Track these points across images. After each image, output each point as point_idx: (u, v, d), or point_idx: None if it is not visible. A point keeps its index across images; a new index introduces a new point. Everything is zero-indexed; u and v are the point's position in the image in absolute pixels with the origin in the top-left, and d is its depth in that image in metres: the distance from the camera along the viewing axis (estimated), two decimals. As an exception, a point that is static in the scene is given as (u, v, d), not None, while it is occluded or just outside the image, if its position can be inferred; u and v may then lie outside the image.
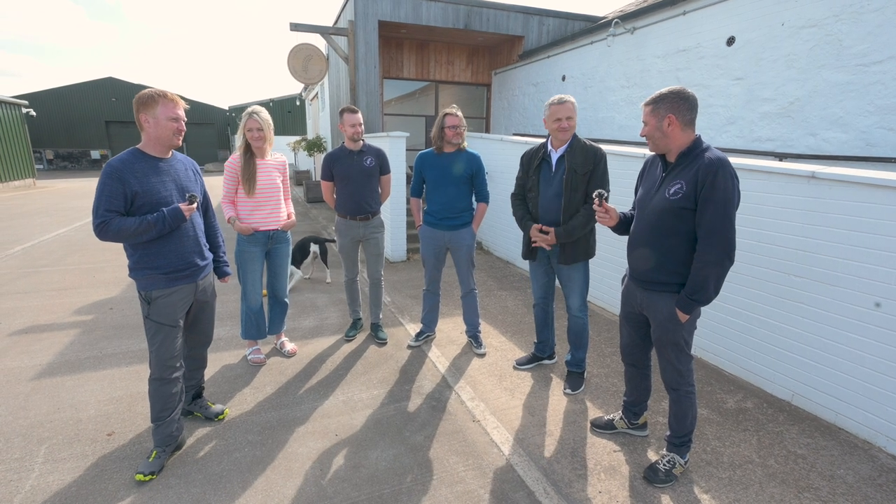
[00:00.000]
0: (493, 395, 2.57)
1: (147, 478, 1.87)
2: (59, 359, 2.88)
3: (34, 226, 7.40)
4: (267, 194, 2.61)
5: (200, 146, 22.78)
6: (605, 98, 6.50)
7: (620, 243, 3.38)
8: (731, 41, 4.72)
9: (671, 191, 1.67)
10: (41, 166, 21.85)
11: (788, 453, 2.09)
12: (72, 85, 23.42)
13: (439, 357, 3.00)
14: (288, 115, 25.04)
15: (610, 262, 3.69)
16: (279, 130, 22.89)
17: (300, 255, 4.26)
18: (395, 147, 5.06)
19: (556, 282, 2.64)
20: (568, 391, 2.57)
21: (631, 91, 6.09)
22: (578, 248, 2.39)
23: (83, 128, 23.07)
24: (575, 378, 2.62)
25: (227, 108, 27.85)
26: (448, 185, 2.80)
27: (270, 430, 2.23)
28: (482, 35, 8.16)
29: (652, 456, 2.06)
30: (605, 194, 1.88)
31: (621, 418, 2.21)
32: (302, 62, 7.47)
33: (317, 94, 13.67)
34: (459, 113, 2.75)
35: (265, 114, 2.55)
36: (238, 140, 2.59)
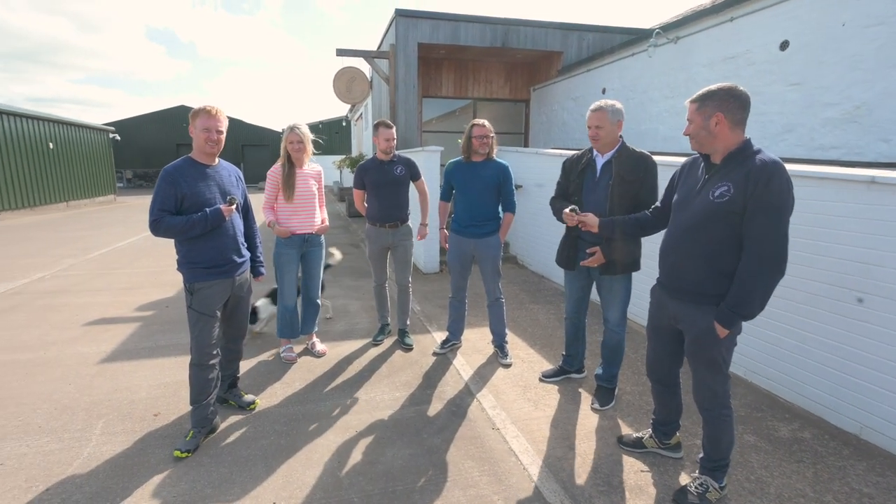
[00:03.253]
0: (516, 405, 2.56)
1: (184, 454, 2.07)
2: (121, 347, 3.29)
3: (112, 234, 8.62)
4: (304, 200, 2.87)
5: (256, 165, 24.91)
6: (647, 109, 6.40)
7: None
8: (784, 45, 4.53)
9: (716, 193, 1.55)
10: (121, 184, 25.02)
11: (851, 490, 1.88)
12: (150, 113, 27.16)
13: (463, 365, 3.04)
14: (335, 135, 26.79)
15: (648, 275, 3.54)
16: (327, 150, 24.50)
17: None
18: (430, 161, 5.26)
19: (591, 296, 2.58)
20: (596, 406, 2.50)
21: (675, 101, 5.95)
22: (625, 259, 2.31)
23: (157, 150, 26.37)
24: (605, 393, 2.54)
25: (280, 130, 30.48)
26: (474, 193, 2.90)
27: (295, 422, 2.39)
28: (520, 52, 8.30)
29: (684, 479, 1.94)
30: (577, 209, 2.12)
31: (651, 437, 2.10)
32: (346, 84, 7.97)
33: (361, 114, 14.51)
34: (487, 124, 2.87)
35: (305, 128, 2.85)
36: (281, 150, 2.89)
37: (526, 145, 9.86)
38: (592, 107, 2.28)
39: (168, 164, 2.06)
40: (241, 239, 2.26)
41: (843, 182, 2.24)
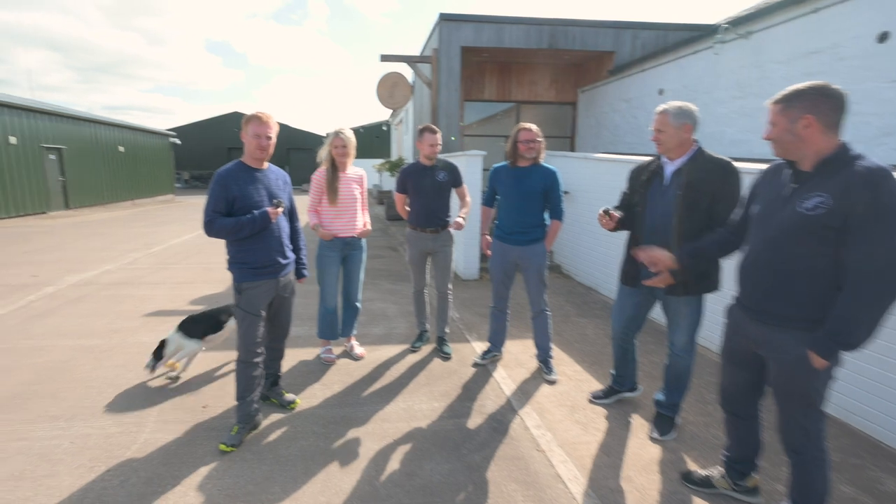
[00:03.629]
0: (563, 426, 2.40)
1: (229, 448, 2.12)
2: (175, 339, 3.48)
3: (169, 232, 9.29)
4: (346, 204, 2.90)
5: (301, 168, 26.13)
6: (712, 111, 5.91)
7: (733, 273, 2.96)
8: (883, 37, 4.00)
9: (809, 205, 1.36)
10: (180, 185, 27.24)
11: None
12: (205, 120, 30.13)
13: (505, 378, 2.92)
14: (376, 139, 27.69)
15: (719, 294, 3.17)
16: (368, 154, 25.14)
17: (208, 327, 2.88)
18: (472, 165, 5.20)
19: (646, 316, 2.35)
20: (655, 435, 2.27)
21: (745, 101, 5.47)
22: (698, 279, 2.03)
23: (211, 153, 28.95)
24: (665, 422, 2.30)
25: (324, 134, 31.75)
26: (519, 199, 2.79)
27: (334, 424, 2.38)
28: (568, 53, 8.05)
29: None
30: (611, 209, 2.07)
31: (723, 476, 1.86)
32: (389, 89, 8.01)
33: (401, 119, 14.68)
34: (534, 128, 2.75)
35: (349, 132, 2.87)
36: (322, 154, 2.91)
37: (572, 149, 9.53)
38: (657, 109, 2.10)
39: (221, 168, 2.13)
40: (287, 241, 2.30)
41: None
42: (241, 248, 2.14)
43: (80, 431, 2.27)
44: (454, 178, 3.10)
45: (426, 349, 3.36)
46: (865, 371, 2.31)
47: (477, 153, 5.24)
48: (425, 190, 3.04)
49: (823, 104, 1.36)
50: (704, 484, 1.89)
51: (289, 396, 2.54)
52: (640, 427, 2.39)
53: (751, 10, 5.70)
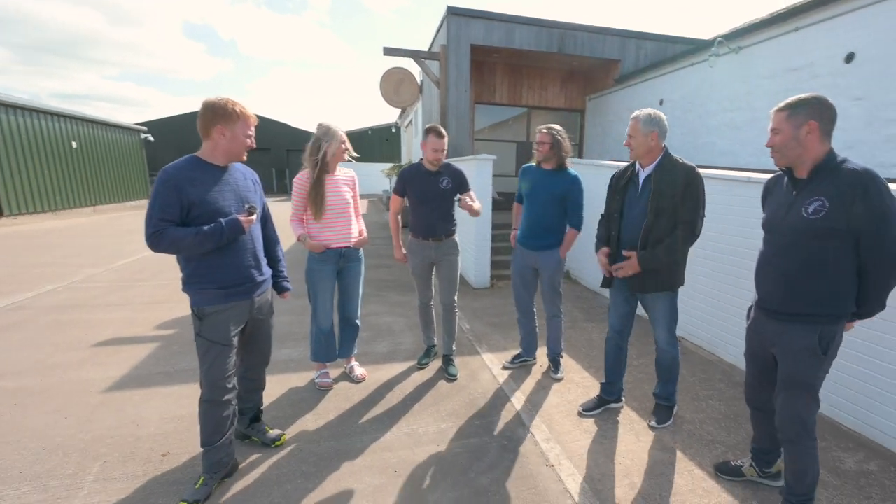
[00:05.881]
0: (571, 436, 2.07)
1: (192, 508, 1.51)
2: (132, 372, 2.66)
3: (138, 242, 6.89)
4: (337, 210, 2.32)
5: (300, 169, 23.07)
6: (705, 122, 5.69)
7: (720, 274, 2.87)
8: (850, 58, 3.99)
9: (810, 209, 1.34)
10: (155, 188, 22.70)
11: None
12: (186, 114, 23.02)
13: (515, 391, 2.50)
14: (385, 142, 23.71)
15: (707, 294, 3.03)
16: (377, 157, 22.07)
17: None
18: (482, 170, 4.47)
19: (634, 312, 2.18)
20: (654, 423, 2.13)
21: (735, 115, 5.26)
22: (658, 277, 1.96)
23: (195, 151, 23.78)
24: (663, 411, 2.17)
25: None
26: (536, 202, 2.47)
27: (327, 460, 1.84)
28: (576, 59, 7.28)
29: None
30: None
31: (752, 465, 1.76)
32: (394, 86, 6.80)
33: (411, 120, 12.44)
34: (546, 129, 2.41)
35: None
36: (305, 157, 2.22)
37: (580, 156, 8.91)
38: (632, 115, 1.97)
39: (169, 165, 1.51)
40: (262, 253, 1.73)
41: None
42: (204, 263, 1.55)
43: (-15, 508, 1.52)
44: (459, 185, 2.53)
45: (434, 365, 2.82)
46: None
47: (487, 157, 4.49)
48: (427, 197, 2.51)
49: (825, 112, 1.35)
50: (735, 473, 1.78)
51: (273, 433, 1.95)
52: (643, 431, 2.12)
53: (742, 26, 5.36)
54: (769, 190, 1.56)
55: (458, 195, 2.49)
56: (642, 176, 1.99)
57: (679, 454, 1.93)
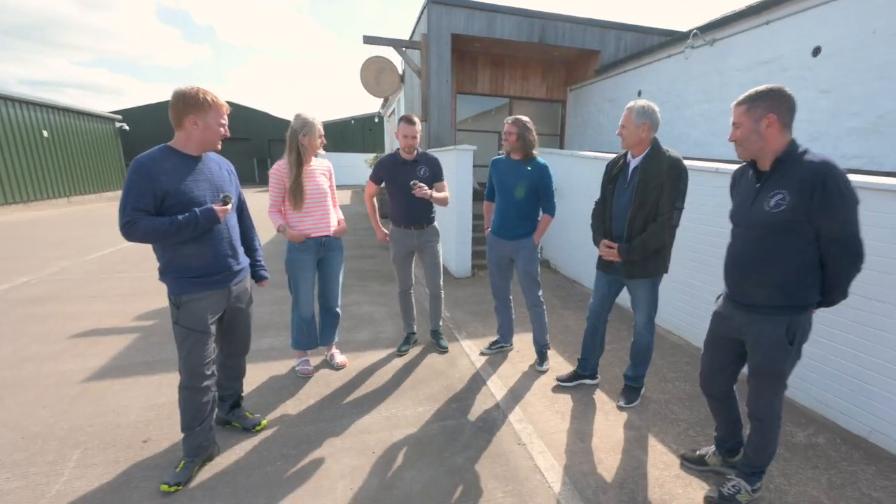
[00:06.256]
0: (543, 417, 2.17)
1: (172, 489, 1.57)
2: (112, 363, 2.67)
3: (114, 234, 6.71)
4: (315, 200, 2.33)
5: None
6: (681, 113, 5.74)
7: (689, 262, 2.97)
8: (816, 51, 4.07)
9: (771, 203, 1.34)
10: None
11: (862, 495, 1.64)
12: (162, 102, 22.07)
13: (491, 375, 2.59)
14: (368, 132, 23.31)
15: (677, 281, 3.13)
16: (360, 147, 21.71)
17: None
18: (462, 160, 4.46)
19: (615, 296, 2.27)
20: (622, 403, 2.24)
21: (709, 106, 5.34)
22: (642, 264, 2.03)
23: (171, 140, 22.91)
24: (631, 392, 2.28)
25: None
26: (508, 192, 2.50)
27: (307, 443, 1.90)
28: (557, 49, 7.24)
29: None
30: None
31: (714, 454, 1.79)
32: (374, 74, 6.69)
33: (394, 110, 12.32)
34: (512, 119, 2.44)
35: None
36: (287, 143, 2.22)
37: (561, 147, 8.91)
38: (627, 104, 2.01)
39: (141, 155, 1.51)
40: (238, 242, 1.75)
41: (869, 191, 1.97)
42: (180, 253, 1.57)
43: (-38, 495, 1.54)
44: (436, 174, 2.60)
45: (413, 351, 2.90)
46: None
47: (467, 147, 4.50)
48: (406, 187, 2.53)
49: (783, 104, 1.34)
50: (699, 462, 1.81)
51: (254, 418, 2.00)
52: (612, 412, 2.23)
53: (717, 18, 5.41)
54: (736, 180, 1.57)
55: (413, 181, 2.48)
56: (632, 166, 2.04)
57: (645, 432, 2.04)
